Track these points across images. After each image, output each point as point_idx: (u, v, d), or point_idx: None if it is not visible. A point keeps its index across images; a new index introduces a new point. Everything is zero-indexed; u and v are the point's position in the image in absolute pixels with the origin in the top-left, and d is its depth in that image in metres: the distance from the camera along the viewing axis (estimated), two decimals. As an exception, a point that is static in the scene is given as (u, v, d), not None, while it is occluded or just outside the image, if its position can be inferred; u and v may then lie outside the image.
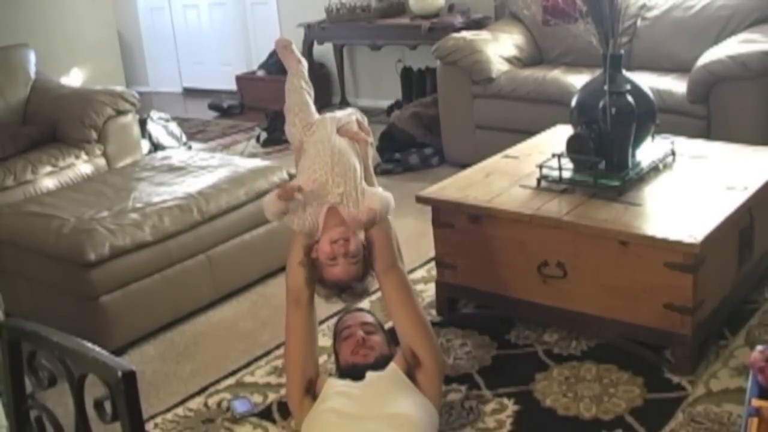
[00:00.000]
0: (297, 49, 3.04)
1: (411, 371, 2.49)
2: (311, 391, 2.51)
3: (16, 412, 1.39)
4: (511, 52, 4.99)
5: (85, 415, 1.33)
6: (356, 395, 2.41)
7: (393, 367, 2.50)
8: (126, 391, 1.15)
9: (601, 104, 2.97)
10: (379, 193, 2.58)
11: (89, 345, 1.28)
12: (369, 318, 2.83)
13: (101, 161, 4.59)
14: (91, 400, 1.37)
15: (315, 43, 6.60)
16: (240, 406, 2.81)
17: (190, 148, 5.78)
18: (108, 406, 1.23)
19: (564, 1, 3.23)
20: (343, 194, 2.51)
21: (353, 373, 2.52)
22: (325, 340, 3.16)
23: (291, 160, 5.37)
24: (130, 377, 1.16)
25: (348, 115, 2.82)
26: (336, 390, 2.45)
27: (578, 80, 4.24)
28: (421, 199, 3.20)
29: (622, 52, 3.12)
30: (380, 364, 2.54)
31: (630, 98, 2.97)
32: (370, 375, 2.48)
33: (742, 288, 3.04)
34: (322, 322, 3.31)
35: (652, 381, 2.70)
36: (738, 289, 3.00)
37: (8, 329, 1.35)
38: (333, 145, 2.60)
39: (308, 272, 2.51)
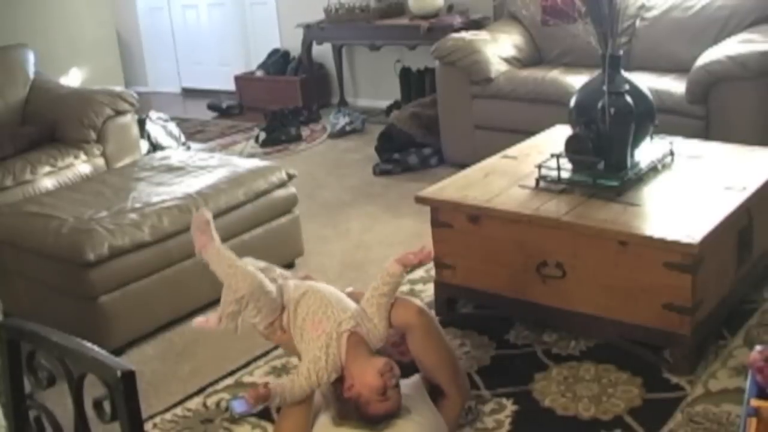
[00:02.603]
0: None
1: (433, 392, 2.41)
2: None
3: (15, 412, 1.39)
4: (510, 52, 4.99)
5: (84, 415, 1.32)
6: None
7: (417, 379, 2.42)
8: (125, 391, 1.15)
9: (600, 104, 2.97)
10: (403, 303, 2.35)
11: (88, 345, 1.28)
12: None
13: (100, 161, 4.59)
14: (89, 400, 1.37)
15: (314, 43, 6.61)
16: (238, 406, 2.79)
17: (188, 148, 5.78)
18: (107, 406, 1.23)
19: (563, 1, 3.23)
20: (353, 315, 2.28)
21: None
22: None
23: (289, 160, 5.41)
24: (129, 377, 1.16)
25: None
26: None
27: (577, 81, 4.23)
28: (420, 200, 3.20)
29: (621, 52, 3.12)
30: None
31: (629, 98, 2.98)
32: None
33: (740, 288, 3.04)
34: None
35: (651, 381, 2.71)
36: (737, 289, 3.00)
37: (7, 329, 1.35)
38: (316, 289, 2.36)
39: (344, 415, 2.26)
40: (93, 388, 1.40)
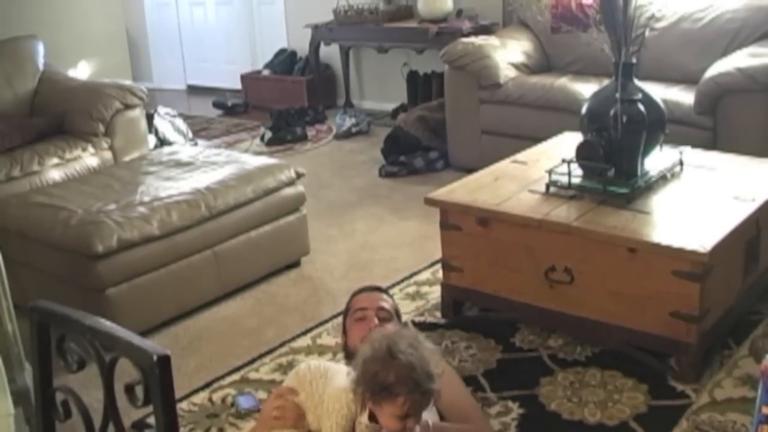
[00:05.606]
0: None
1: None
2: None
3: (43, 395, 1.39)
4: (519, 58, 5.01)
5: (114, 400, 1.33)
6: None
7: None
8: (161, 375, 1.16)
9: (612, 112, 2.99)
10: None
11: (121, 329, 1.29)
12: (386, 303, 2.62)
13: (108, 154, 4.58)
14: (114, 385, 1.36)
15: (321, 44, 6.62)
16: (244, 402, 2.82)
17: (196, 144, 5.78)
18: (139, 391, 1.24)
19: (577, 8, 3.24)
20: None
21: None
22: (329, 339, 3.17)
23: (295, 160, 5.42)
24: (165, 361, 1.17)
25: None
26: None
27: (586, 88, 4.26)
28: (429, 201, 3.21)
29: (635, 60, 3.13)
30: None
31: (641, 107, 2.99)
32: None
33: (747, 298, 3.06)
34: (326, 321, 3.33)
35: (657, 388, 2.72)
36: (743, 299, 3.02)
37: (38, 312, 1.35)
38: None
39: None
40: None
